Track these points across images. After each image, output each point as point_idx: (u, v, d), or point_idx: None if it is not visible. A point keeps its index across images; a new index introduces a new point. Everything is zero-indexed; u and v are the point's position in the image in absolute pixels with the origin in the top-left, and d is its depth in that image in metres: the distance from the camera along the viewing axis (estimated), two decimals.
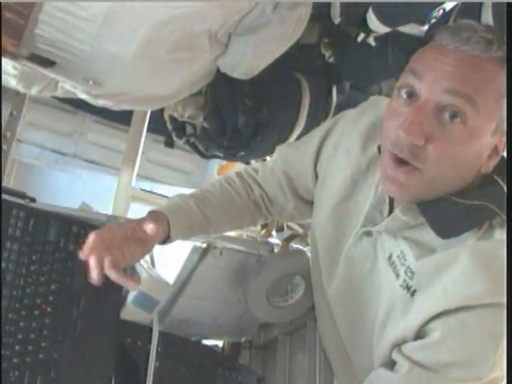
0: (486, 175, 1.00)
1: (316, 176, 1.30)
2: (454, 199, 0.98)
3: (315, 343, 1.40)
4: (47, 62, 1.25)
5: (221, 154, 1.99)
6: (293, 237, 1.73)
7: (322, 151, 1.28)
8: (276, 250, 1.52)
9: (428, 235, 1.00)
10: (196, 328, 1.51)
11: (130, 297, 1.25)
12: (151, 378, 1.18)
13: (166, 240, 1.21)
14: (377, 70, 1.89)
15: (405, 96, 0.97)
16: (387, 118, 1.00)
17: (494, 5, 1.47)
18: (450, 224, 0.98)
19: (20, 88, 1.51)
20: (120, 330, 1.20)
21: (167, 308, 1.42)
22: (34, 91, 1.52)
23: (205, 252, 1.34)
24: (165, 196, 2.18)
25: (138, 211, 1.93)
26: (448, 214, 0.98)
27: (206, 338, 1.59)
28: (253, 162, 2.44)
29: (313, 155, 1.29)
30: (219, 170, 2.75)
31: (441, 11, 1.70)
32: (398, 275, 1.03)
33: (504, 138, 0.96)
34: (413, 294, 1.00)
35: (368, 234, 1.10)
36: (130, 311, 1.25)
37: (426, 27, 1.73)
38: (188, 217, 1.25)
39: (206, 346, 1.45)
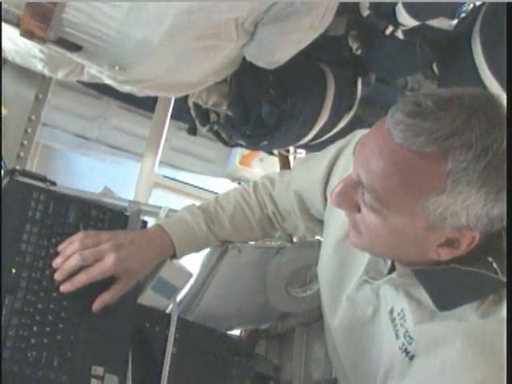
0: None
1: (325, 199, 1.24)
2: (454, 266, 0.89)
3: None
4: (74, 47, 1.25)
5: (243, 143, 1.99)
6: None
7: (332, 173, 1.22)
8: (295, 240, 1.52)
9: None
10: (222, 321, 1.52)
11: (150, 282, 1.26)
12: (168, 363, 1.19)
13: (172, 257, 1.24)
14: (403, 64, 1.87)
15: None
16: None
17: None
18: (447, 294, 0.92)
19: (46, 72, 1.52)
20: (139, 315, 1.21)
21: (190, 308, 1.44)
22: (60, 75, 1.52)
23: (223, 253, 1.35)
24: (186, 183, 2.18)
25: (159, 198, 1.94)
26: (445, 283, 0.91)
27: (232, 329, 1.60)
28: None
29: (323, 177, 1.23)
30: (241, 159, 2.75)
31: (471, 5, 1.68)
32: (397, 336, 0.98)
33: (471, 234, 0.84)
34: (411, 358, 0.95)
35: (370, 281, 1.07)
36: (150, 297, 1.26)
37: (455, 21, 1.71)
38: (196, 236, 1.27)
39: (223, 334, 1.46)
